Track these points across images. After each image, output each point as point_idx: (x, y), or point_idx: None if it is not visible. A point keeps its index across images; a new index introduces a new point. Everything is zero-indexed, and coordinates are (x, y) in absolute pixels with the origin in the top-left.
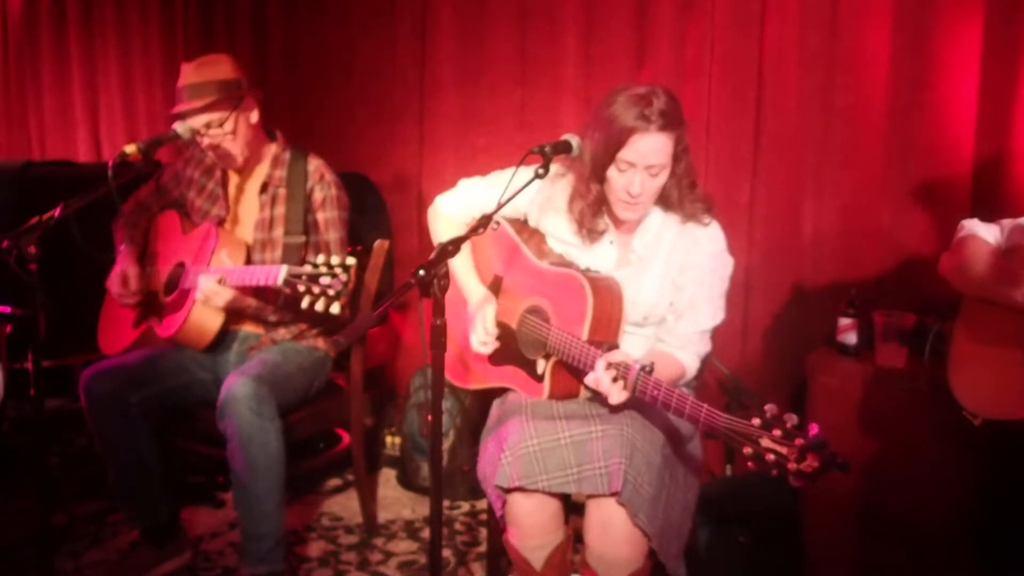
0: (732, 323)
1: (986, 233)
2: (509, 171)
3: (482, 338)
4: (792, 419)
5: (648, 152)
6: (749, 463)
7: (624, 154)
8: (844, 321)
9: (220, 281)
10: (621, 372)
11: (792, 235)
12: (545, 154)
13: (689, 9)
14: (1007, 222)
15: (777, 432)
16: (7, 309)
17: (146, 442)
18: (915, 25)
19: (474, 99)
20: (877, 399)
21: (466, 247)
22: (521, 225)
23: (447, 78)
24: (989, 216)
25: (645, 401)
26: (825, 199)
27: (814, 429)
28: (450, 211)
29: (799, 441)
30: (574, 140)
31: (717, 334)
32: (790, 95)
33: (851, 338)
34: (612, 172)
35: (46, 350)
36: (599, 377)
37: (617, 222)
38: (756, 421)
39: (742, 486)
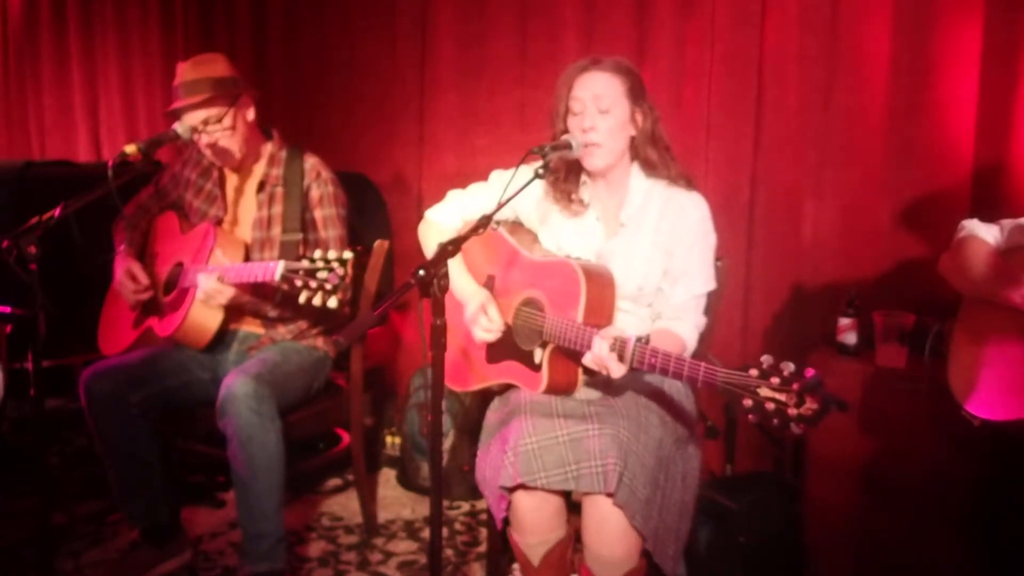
0: (732, 323)
1: (986, 233)
2: (495, 177)
3: (486, 325)
4: (788, 367)
5: (593, 86)
6: (750, 416)
7: (574, 92)
8: (844, 321)
9: (219, 279)
10: (618, 345)
11: (792, 235)
12: (545, 154)
13: (689, 9)
14: (1007, 222)
15: (775, 380)
16: (7, 309)
17: (146, 442)
18: (915, 25)
19: (474, 99)
20: (877, 399)
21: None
22: (513, 226)
23: (447, 78)
24: (989, 216)
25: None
26: (825, 199)
27: (810, 372)
28: (444, 221)
29: (796, 386)
30: (574, 140)
31: (717, 334)
32: (790, 95)
33: (851, 338)
34: (571, 121)
35: (46, 350)
36: (597, 353)
37: (593, 176)
38: (753, 372)
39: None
